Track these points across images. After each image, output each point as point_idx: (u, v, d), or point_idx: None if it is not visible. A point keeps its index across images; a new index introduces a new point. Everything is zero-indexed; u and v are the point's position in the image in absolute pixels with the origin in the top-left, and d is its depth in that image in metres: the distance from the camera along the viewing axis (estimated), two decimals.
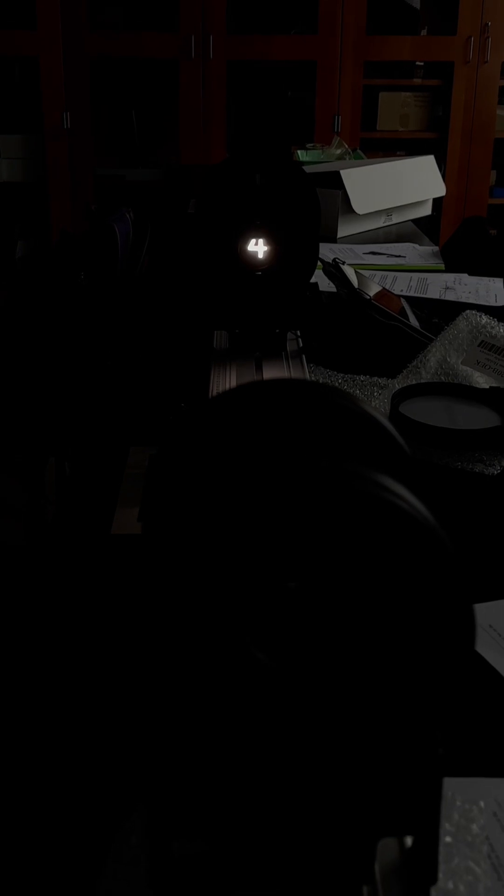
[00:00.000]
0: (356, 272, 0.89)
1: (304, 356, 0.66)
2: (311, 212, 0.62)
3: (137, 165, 2.74)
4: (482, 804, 0.31)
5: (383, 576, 0.22)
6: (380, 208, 1.38)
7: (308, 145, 1.85)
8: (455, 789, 0.32)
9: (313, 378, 0.68)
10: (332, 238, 1.31)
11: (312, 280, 0.93)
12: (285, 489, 0.22)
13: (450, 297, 0.97)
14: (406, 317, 0.83)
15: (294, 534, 0.23)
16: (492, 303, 0.94)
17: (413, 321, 0.83)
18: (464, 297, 0.97)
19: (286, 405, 0.28)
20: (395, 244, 1.28)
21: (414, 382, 0.69)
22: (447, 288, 1.01)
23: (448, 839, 0.30)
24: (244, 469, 0.23)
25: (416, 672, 0.23)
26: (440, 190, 1.50)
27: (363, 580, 0.22)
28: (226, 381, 0.61)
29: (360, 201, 1.32)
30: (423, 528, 0.22)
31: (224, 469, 0.23)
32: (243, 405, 0.27)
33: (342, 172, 1.31)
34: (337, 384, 0.70)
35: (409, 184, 1.45)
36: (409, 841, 0.27)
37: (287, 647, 0.23)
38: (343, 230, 1.34)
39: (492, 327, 0.74)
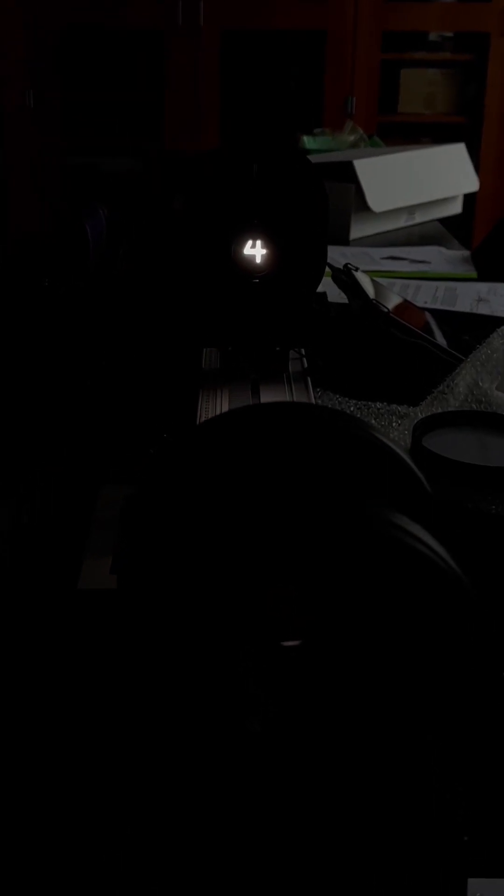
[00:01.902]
0: (372, 280, 0.91)
1: (309, 379, 0.67)
2: (319, 209, 0.63)
3: (115, 153, 2.78)
4: None
5: (398, 631, 0.23)
6: (400, 205, 1.41)
7: (316, 131, 1.88)
8: (482, 891, 0.32)
9: (320, 404, 0.69)
10: (343, 240, 1.33)
11: (320, 289, 0.94)
12: (286, 534, 0.23)
13: (483, 310, 0.98)
14: (431, 333, 0.85)
15: (297, 585, 0.23)
16: None
17: (439, 339, 0.84)
18: (499, 311, 0.98)
19: (287, 434, 0.28)
20: (419, 247, 1.29)
21: (440, 411, 0.70)
22: (480, 300, 1.02)
23: None
24: (237, 510, 0.23)
25: (430, 741, 0.23)
26: (472, 184, 1.53)
27: (374, 636, 0.23)
28: (216, 407, 0.62)
29: (377, 197, 1.34)
30: (446, 578, 0.23)
31: (213, 511, 0.24)
32: (236, 434, 0.28)
33: (356, 163, 1.33)
34: (349, 412, 0.71)
35: (436, 177, 1.48)
36: None
37: (285, 714, 0.24)
38: (357, 231, 1.35)
39: None
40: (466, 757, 0.23)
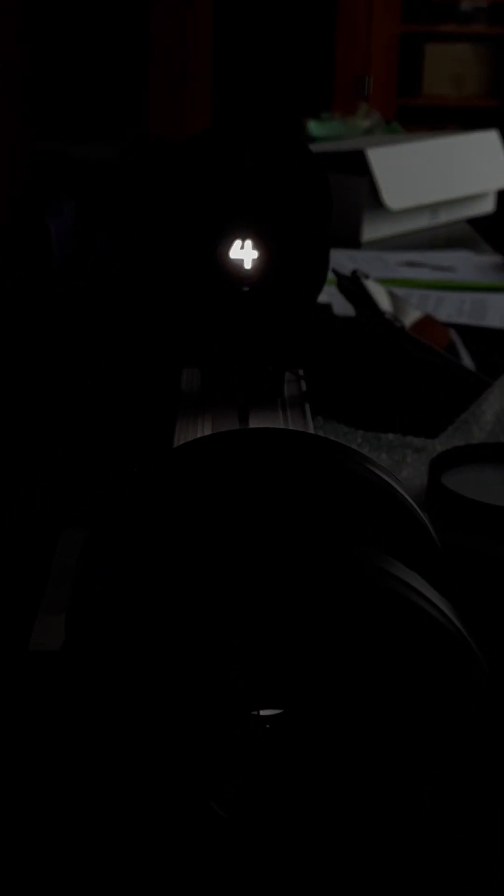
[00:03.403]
0: (387, 290, 0.91)
1: (307, 405, 0.67)
2: (321, 205, 0.64)
3: (88, 138, 2.79)
4: None
5: (392, 698, 0.23)
6: (421, 203, 1.42)
7: (324, 115, 1.89)
8: None
9: (320, 434, 0.69)
10: (353, 242, 1.34)
11: (323, 300, 0.96)
12: (263, 584, 0.23)
13: None
14: (456, 353, 0.85)
15: (275, 644, 0.23)
16: None
17: (465, 359, 0.85)
18: None
19: (275, 466, 0.29)
20: (443, 252, 1.30)
21: (462, 443, 0.71)
22: None
23: None
24: (206, 557, 0.24)
25: (430, 833, 0.23)
26: None
27: (364, 703, 0.23)
28: (196, 435, 0.62)
29: (394, 192, 1.35)
30: (449, 638, 0.23)
31: (181, 554, 0.24)
32: (214, 464, 0.28)
33: (369, 152, 1.34)
34: (356, 445, 0.72)
35: (464, 169, 1.49)
36: None
37: (259, 796, 0.24)
38: (369, 232, 1.36)
39: None
40: (472, 843, 0.23)
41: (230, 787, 0.23)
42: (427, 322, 0.90)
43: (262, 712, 0.25)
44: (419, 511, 0.29)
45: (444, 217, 1.47)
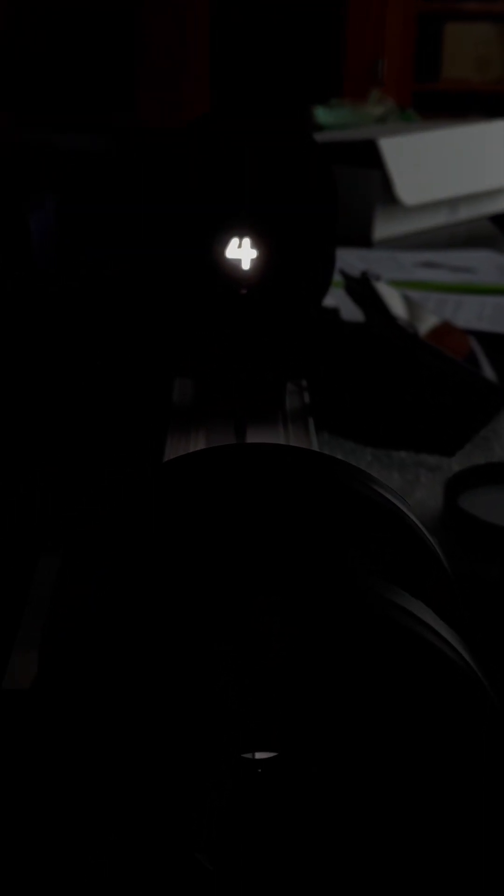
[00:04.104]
0: (400, 294, 0.92)
1: (311, 419, 0.67)
2: (328, 200, 0.64)
3: (74, 128, 2.80)
4: None
5: (399, 745, 0.23)
6: (439, 198, 1.42)
7: (333, 101, 1.90)
8: None
9: (326, 452, 0.69)
10: (364, 241, 1.34)
11: (329, 303, 0.96)
12: (255, 614, 0.23)
13: None
14: (476, 363, 0.85)
15: (272, 683, 0.24)
16: None
17: (486, 369, 0.85)
18: None
19: (274, 485, 0.29)
20: (463, 252, 1.31)
21: (482, 462, 0.71)
22: None
23: None
24: (199, 584, 0.24)
25: (437, 884, 0.23)
26: None
27: (368, 750, 0.23)
28: (188, 451, 0.62)
29: (409, 186, 1.36)
30: (458, 674, 0.23)
31: (168, 584, 0.24)
32: (207, 482, 0.28)
33: (382, 143, 1.35)
34: (364, 463, 0.72)
35: (487, 161, 1.49)
36: None
37: (249, 848, 0.24)
38: (382, 229, 1.37)
39: None
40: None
41: (217, 837, 0.24)
42: (445, 329, 0.90)
43: (254, 755, 0.25)
44: (429, 536, 0.29)
45: (465, 213, 1.47)
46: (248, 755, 0.25)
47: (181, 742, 0.23)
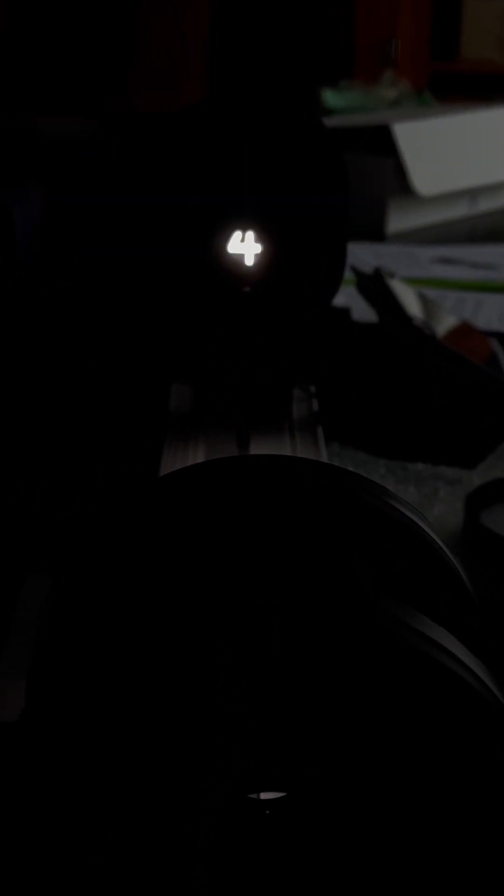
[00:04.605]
0: (416, 292, 0.92)
1: (320, 428, 0.67)
2: (338, 190, 0.64)
3: (61, 112, 2.80)
4: None
5: (418, 784, 0.23)
6: (458, 188, 1.42)
7: (343, 83, 1.90)
8: None
9: (336, 464, 0.69)
10: (377, 234, 1.34)
11: (338, 303, 0.96)
12: (269, 643, 0.23)
13: None
14: (497, 367, 0.85)
15: (281, 717, 0.23)
16: None
17: None
18: None
19: (280, 501, 0.29)
20: (484, 247, 1.31)
21: None
22: None
23: None
24: (200, 610, 0.24)
25: None
26: None
27: (384, 789, 0.23)
28: (187, 463, 0.62)
29: (426, 176, 1.36)
30: (480, 703, 0.23)
31: (165, 608, 0.24)
32: (207, 497, 0.28)
33: (396, 128, 1.35)
34: (378, 476, 0.72)
35: None
36: None
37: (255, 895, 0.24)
38: (397, 222, 1.37)
39: None
40: None
41: (221, 883, 0.23)
42: (464, 330, 0.90)
43: (261, 795, 0.25)
44: (450, 555, 0.29)
45: (485, 205, 1.47)
46: (255, 795, 0.25)
47: (181, 781, 0.23)
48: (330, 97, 1.80)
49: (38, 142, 2.68)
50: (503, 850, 0.23)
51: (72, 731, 0.23)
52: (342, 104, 1.78)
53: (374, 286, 0.87)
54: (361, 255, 1.19)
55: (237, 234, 0.64)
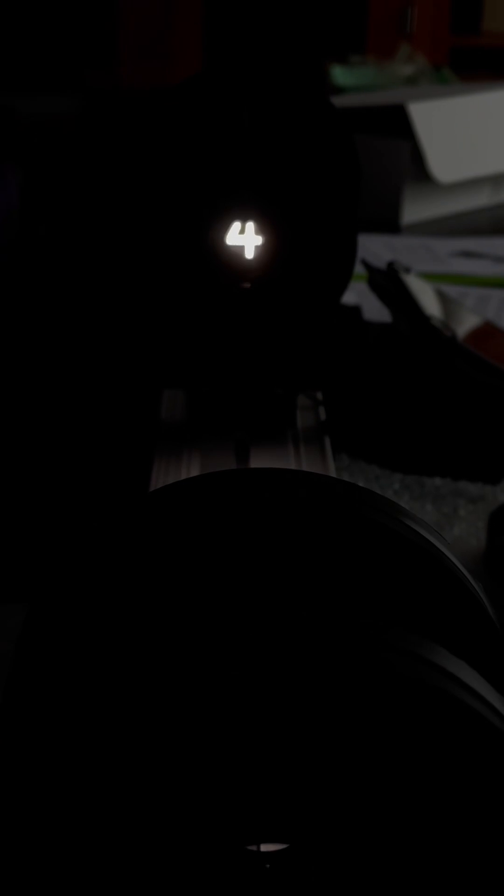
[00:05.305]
0: (434, 289, 0.92)
1: (327, 439, 0.67)
2: (347, 176, 0.64)
3: (40, 88, 2.80)
4: None
5: (435, 833, 0.23)
6: (480, 175, 1.42)
7: (354, 58, 1.91)
8: None
9: (344, 479, 0.69)
10: (391, 225, 1.35)
11: (348, 301, 0.96)
12: (269, 680, 0.23)
13: None
14: None
15: (283, 761, 0.23)
16: None
17: None
18: None
19: (283, 520, 0.29)
20: None
21: None
22: None
23: None
24: (192, 643, 0.24)
25: None
26: None
27: (397, 840, 0.23)
28: (180, 477, 0.62)
29: (445, 161, 1.36)
30: None
31: (154, 643, 0.24)
32: (202, 515, 0.28)
33: (412, 108, 1.35)
34: (391, 493, 0.72)
35: None
36: None
37: None
38: (412, 212, 1.37)
39: None
40: None
41: None
42: (487, 331, 0.90)
43: (261, 847, 0.25)
44: (472, 580, 0.29)
45: None
46: (254, 847, 0.25)
47: (176, 833, 0.23)
48: (339, 74, 1.80)
49: (14, 121, 2.69)
50: None
51: (54, 785, 0.23)
52: (353, 81, 1.78)
53: (388, 282, 0.87)
54: (373, 247, 1.19)
55: (236, 225, 0.64)
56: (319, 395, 0.70)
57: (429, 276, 1.03)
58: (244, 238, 0.64)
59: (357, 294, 0.96)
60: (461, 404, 0.81)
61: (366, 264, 0.89)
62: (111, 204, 1.24)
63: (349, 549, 0.29)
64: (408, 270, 0.88)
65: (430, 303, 0.87)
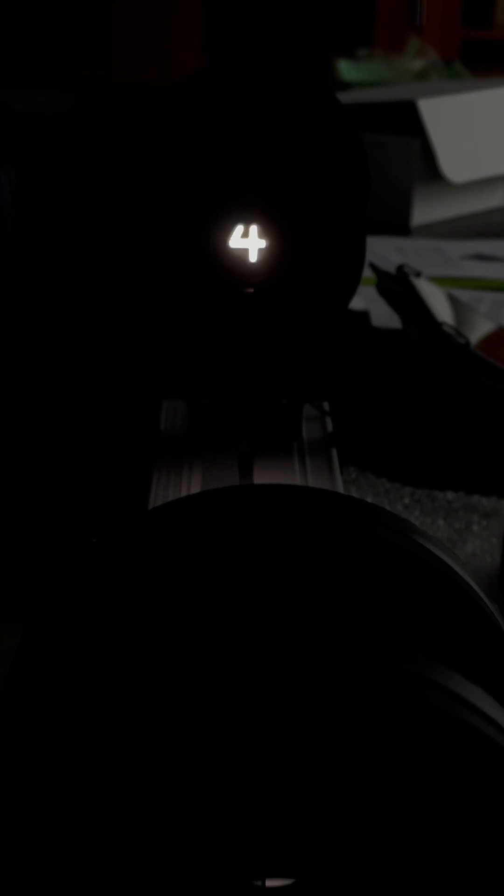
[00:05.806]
0: (446, 294, 0.92)
1: (335, 451, 0.67)
2: (354, 176, 0.64)
3: (35, 84, 2.81)
4: None
5: (448, 867, 0.23)
6: (493, 174, 1.42)
7: (361, 52, 1.91)
8: None
9: (352, 493, 0.69)
10: (401, 227, 1.35)
11: (356, 306, 0.96)
12: (275, 707, 0.23)
13: None
14: None
15: (289, 792, 0.23)
16: None
17: None
18: None
19: (288, 538, 0.29)
20: None
21: None
22: None
23: None
24: (195, 667, 0.24)
25: None
26: None
27: (408, 873, 0.23)
28: (180, 494, 0.62)
29: (456, 159, 1.36)
30: None
31: (154, 665, 0.24)
32: (204, 534, 0.28)
33: (422, 105, 1.35)
34: (400, 507, 0.72)
35: None
36: None
37: None
38: (423, 213, 1.37)
39: None
40: None
41: None
42: (501, 337, 0.90)
43: (267, 882, 0.25)
44: (486, 600, 0.29)
45: None
46: (259, 882, 0.25)
47: (179, 868, 0.23)
48: (346, 69, 1.80)
49: (7, 118, 2.69)
50: None
51: (53, 813, 0.23)
52: (360, 77, 1.78)
53: (398, 287, 0.87)
54: (383, 250, 1.19)
55: (239, 227, 0.64)
56: (326, 406, 0.70)
57: (440, 280, 1.03)
58: (247, 241, 0.64)
59: (365, 299, 0.95)
60: (474, 414, 0.81)
61: (374, 268, 0.89)
62: (109, 205, 1.25)
63: (358, 570, 0.29)
64: (418, 274, 0.88)
65: (441, 308, 0.87)
